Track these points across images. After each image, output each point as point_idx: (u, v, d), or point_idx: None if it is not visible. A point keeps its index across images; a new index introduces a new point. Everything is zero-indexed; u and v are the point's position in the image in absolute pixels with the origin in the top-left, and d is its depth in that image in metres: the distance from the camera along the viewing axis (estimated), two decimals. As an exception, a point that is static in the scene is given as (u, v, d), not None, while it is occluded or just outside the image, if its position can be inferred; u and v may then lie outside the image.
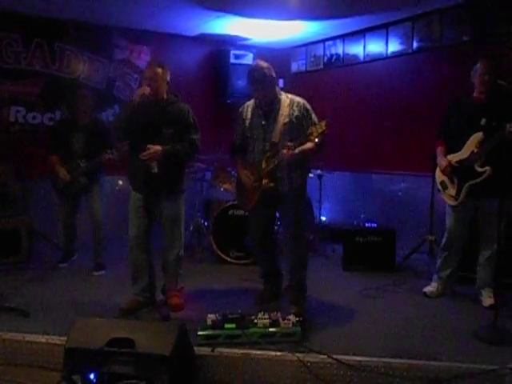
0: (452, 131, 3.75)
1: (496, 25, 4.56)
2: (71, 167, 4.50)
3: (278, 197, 3.58)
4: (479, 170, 3.51)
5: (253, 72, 3.54)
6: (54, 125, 5.29)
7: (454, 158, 3.70)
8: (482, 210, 3.66)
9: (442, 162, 3.77)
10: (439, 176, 3.84)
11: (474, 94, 3.66)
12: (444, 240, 3.89)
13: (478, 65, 3.60)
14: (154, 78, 3.44)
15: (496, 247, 3.54)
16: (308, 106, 3.61)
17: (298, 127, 3.51)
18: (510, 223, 3.70)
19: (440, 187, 3.86)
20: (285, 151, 3.35)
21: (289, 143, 3.35)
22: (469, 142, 3.57)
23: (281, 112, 3.54)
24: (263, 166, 3.53)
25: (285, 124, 3.52)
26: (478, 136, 3.52)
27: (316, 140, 3.30)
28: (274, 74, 3.54)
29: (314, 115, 3.59)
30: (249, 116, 3.68)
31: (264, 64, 3.54)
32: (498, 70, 3.59)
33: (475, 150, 3.53)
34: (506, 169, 3.51)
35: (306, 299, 3.68)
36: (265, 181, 3.50)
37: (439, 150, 3.85)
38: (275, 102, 3.58)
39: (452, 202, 3.76)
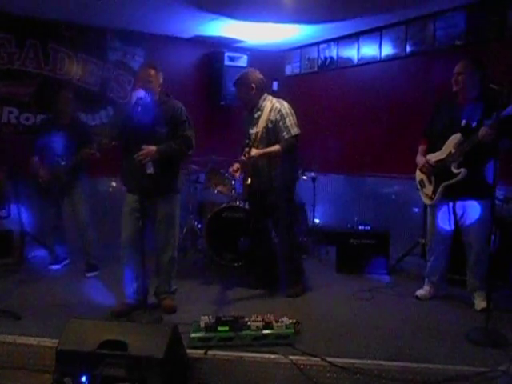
0: (435, 130, 3.76)
1: (489, 29, 4.59)
2: (52, 167, 4.53)
3: (262, 194, 3.98)
4: (455, 171, 3.53)
5: (236, 78, 3.97)
6: (36, 126, 5.26)
7: (432, 157, 3.71)
8: (462, 212, 3.67)
9: (420, 160, 3.81)
10: (418, 174, 3.89)
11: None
12: (428, 243, 3.93)
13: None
14: (147, 79, 3.45)
15: (478, 249, 3.58)
16: (284, 111, 3.89)
17: (273, 131, 3.85)
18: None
19: (418, 185, 3.90)
20: (246, 154, 3.80)
21: (253, 149, 3.80)
22: (448, 142, 3.58)
23: (262, 117, 3.90)
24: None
25: (262, 128, 3.87)
26: (456, 137, 3.53)
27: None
28: (254, 83, 3.88)
29: (288, 119, 3.87)
30: (247, 120, 4.06)
31: (244, 72, 3.98)
32: (481, 74, 3.56)
33: (452, 151, 3.54)
34: (483, 170, 3.53)
35: (300, 282, 4.07)
36: (245, 178, 3.91)
37: (420, 148, 3.89)
38: (258, 109, 3.93)
39: (428, 201, 3.80)
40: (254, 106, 3.95)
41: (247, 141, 3.93)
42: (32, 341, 2.99)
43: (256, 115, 3.94)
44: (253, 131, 3.92)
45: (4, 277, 4.41)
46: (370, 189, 5.89)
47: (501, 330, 3.15)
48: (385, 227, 4.96)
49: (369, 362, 2.74)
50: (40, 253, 5.08)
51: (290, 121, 3.86)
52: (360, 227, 4.91)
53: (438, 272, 3.89)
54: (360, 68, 5.95)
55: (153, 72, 3.50)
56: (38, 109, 5.48)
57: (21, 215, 4.96)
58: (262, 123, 3.87)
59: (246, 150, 3.84)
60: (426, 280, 3.96)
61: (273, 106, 3.89)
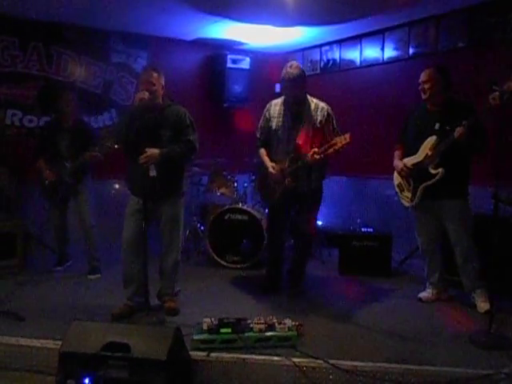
0: (409, 136, 3.84)
1: (491, 31, 4.59)
2: (57, 169, 4.53)
3: (297, 195, 3.82)
4: (433, 171, 3.59)
5: (287, 71, 3.72)
6: (41, 128, 5.24)
7: (409, 161, 3.78)
8: (441, 212, 3.70)
9: (398, 164, 3.87)
10: (396, 178, 3.94)
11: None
12: (420, 246, 3.97)
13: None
14: (150, 81, 3.46)
15: (463, 248, 3.63)
16: (330, 112, 3.83)
17: (320, 131, 3.72)
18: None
19: (397, 189, 3.95)
20: (310, 156, 3.57)
21: (315, 149, 3.57)
22: (423, 145, 3.66)
23: (307, 116, 3.76)
24: (286, 165, 3.74)
25: (309, 128, 3.72)
26: (432, 139, 3.61)
27: (338, 149, 3.50)
28: (305, 78, 3.76)
29: (334, 121, 3.82)
30: (275, 115, 3.88)
31: (298, 66, 3.76)
32: (445, 80, 3.63)
33: (429, 153, 3.61)
34: (459, 170, 3.60)
35: (303, 281, 4.10)
36: (287, 180, 3.73)
37: (396, 153, 3.95)
38: (303, 105, 3.78)
39: (407, 204, 3.85)
40: (301, 102, 3.80)
41: (278, 135, 3.81)
42: (35, 343, 3.00)
43: (302, 111, 3.79)
44: (298, 128, 3.75)
45: (7, 278, 4.42)
46: (372, 191, 5.88)
47: (504, 332, 3.14)
48: (387, 229, 4.96)
49: (371, 364, 2.74)
50: (43, 254, 5.08)
51: (336, 123, 3.83)
52: (363, 229, 4.91)
53: (435, 273, 3.90)
54: (363, 70, 5.95)
55: (155, 75, 3.50)
56: (42, 111, 5.50)
57: (24, 216, 4.98)
58: (307, 122, 3.74)
59: (314, 150, 3.58)
60: (427, 283, 3.96)
61: (317, 106, 3.80)
